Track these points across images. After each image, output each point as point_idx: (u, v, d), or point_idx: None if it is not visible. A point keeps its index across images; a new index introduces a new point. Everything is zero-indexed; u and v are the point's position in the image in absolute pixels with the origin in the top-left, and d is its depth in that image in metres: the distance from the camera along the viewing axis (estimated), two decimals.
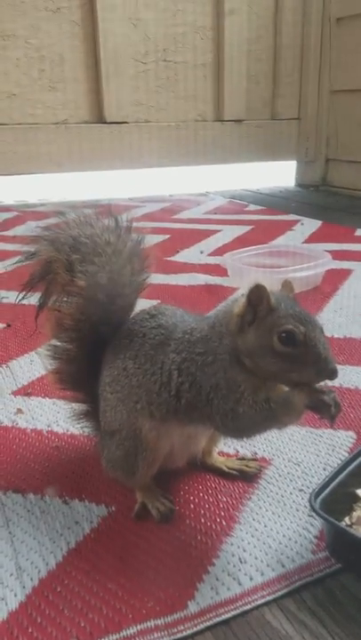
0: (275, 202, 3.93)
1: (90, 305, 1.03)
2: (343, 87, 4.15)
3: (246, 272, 2.14)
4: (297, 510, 1.03)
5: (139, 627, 0.80)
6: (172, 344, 0.96)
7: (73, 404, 1.12)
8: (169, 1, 3.71)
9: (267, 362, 0.89)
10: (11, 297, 2.06)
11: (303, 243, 2.81)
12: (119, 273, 1.03)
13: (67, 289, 1.03)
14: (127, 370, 0.98)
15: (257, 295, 0.87)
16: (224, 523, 0.99)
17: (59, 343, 1.07)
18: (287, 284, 0.96)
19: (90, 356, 1.05)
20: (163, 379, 0.95)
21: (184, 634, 0.80)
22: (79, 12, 3.51)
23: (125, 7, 3.58)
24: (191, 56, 3.84)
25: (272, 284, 2.04)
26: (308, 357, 0.87)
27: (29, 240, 1.06)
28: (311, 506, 0.94)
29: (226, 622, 0.82)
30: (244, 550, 0.93)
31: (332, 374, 0.88)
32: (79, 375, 1.08)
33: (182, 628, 0.80)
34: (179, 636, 0.79)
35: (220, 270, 2.36)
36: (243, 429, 0.94)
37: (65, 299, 1.04)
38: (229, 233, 3.00)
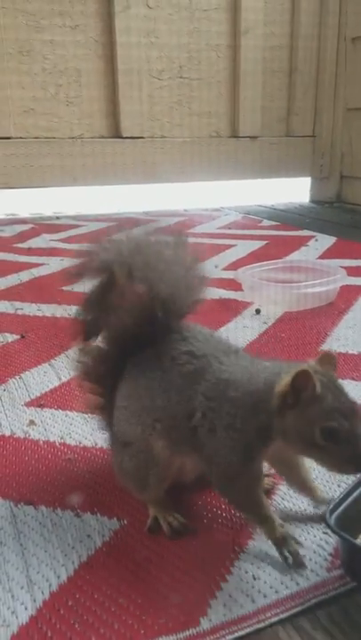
0: (289, 217, 3.93)
1: (142, 313, 1.01)
2: (358, 105, 4.17)
3: (260, 286, 2.14)
4: (311, 527, 1.01)
5: None
6: (202, 384, 0.94)
7: (90, 396, 1.11)
8: (186, 20, 3.74)
9: (301, 447, 0.88)
10: (25, 308, 2.07)
11: (317, 258, 2.80)
12: (176, 286, 1.01)
13: (124, 295, 1.01)
14: (151, 389, 0.97)
15: (302, 382, 0.84)
16: (237, 539, 0.98)
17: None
18: (327, 358, 0.93)
19: (121, 358, 1.04)
20: (187, 411, 0.94)
21: None
22: (97, 28, 3.55)
23: (142, 25, 3.62)
24: (207, 73, 3.87)
25: (288, 299, 2.05)
26: (346, 453, 0.85)
27: (85, 251, 1.05)
28: (326, 522, 0.92)
29: None
30: (258, 567, 0.92)
31: None
32: (105, 373, 1.07)
33: None
34: None
35: (234, 285, 2.35)
36: (226, 496, 0.98)
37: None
38: (243, 248, 3.00)
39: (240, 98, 3.97)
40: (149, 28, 3.64)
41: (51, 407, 1.39)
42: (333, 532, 0.91)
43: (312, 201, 4.64)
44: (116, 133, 3.67)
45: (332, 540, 0.97)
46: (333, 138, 4.37)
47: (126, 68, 3.60)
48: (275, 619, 0.83)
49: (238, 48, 3.88)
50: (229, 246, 3.02)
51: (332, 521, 0.89)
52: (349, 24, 4.11)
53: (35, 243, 3.09)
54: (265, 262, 2.40)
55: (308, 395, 0.85)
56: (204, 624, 0.82)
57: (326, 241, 3.17)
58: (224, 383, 0.93)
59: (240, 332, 1.90)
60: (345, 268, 2.28)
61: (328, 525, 0.91)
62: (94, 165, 3.57)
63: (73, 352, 1.10)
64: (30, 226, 3.52)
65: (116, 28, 3.54)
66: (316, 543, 0.97)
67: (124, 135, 3.67)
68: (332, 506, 0.93)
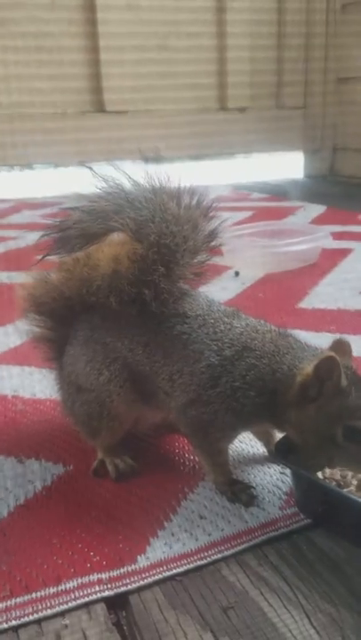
0: (279, 190, 3.86)
1: (139, 275, 0.90)
2: (349, 74, 4.07)
3: (240, 249, 2.07)
4: (268, 468, 0.96)
5: (79, 580, 0.74)
6: (210, 344, 0.87)
7: (35, 328, 1.03)
8: None
9: (315, 442, 0.82)
10: None
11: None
12: (182, 245, 0.91)
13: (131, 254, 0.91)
14: (131, 349, 0.91)
15: (327, 369, 0.77)
16: (190, 481, 0.93)
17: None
18: (341, 345, 0.86)
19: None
20: (172, 371, 0.89)
21: (128, 587, 0.73)
22: (78, 5, 3.48)
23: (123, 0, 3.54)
24: (192, 48, 3.78)
25: (268, 260, 1.99)
26: None
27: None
28: (280, 458, 0.87)
29: (177, 577, 0.75)
30: (205, 507, 0.87)
31: None
32: (64, 310, 0.98)
33: (127, 581, 0.74)
34: (123, 589, 0.73)
35: (215, 251, 2.29)
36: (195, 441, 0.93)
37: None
38: (230, 219, 2.93)
39: (227, 67, 3.87)
40: (132, 3, 3.56)
41: (8, 363, 1.34)
42: (288, 466, 0.87)
43: (306, 176, 4.55)
44: (100, 108, 3.59)
45: (289, 481, 0.91)
46: (325, 109, 4.27)
47: (108, 39, 3.52)
48: (218, 556, 0.78)
49: (224, 23, 3.80)
50: (220, 221, 2.95)
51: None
52: None
53: (15, 218, 3.04)
54: (246, 225, 2.34)
55: (332, 386, 0.78)
56: (141, 562, 0.77)
57: (315, 209, 3.09)
58: (242, 346, 0.86)
59: (218, 294, 1.83)
60: (332, 233, 2.22)
61: (282, 461, 0.86)
62: (77, 141, 3.50)
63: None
64: (11, 204, 3.46)
65: (97, 4, 3.47)
66: (273, 483, 0.92)
67: (108, 109, 3.60)
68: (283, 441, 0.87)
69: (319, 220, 2.83)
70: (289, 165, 4.57)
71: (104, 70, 3.57)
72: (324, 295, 1.78)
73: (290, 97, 4.20)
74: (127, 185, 0.93)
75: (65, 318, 0.98)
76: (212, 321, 0.90)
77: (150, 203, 0.91)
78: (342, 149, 4.31)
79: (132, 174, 0.95)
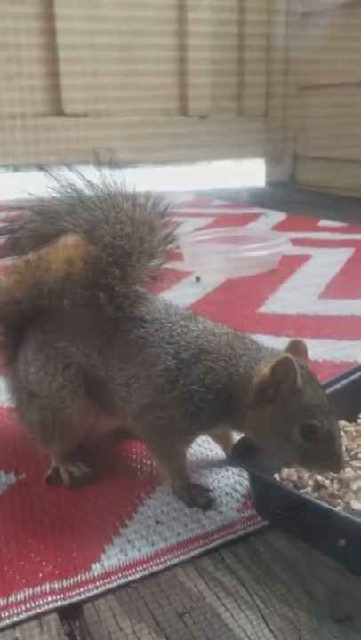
0: (240, 198, 3.88)
1: (94, 278, 0.89)
2: (310, 83, 4.12)
3: (201, 255, 2.07)
4: (226, 471, 0.95)
5: (30, 591, 0.71)
6: (167, 347, 0.86)
7: None
8: None
9: (273, 442, 0.81)
10: None
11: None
12: (138, 248, 0.90)
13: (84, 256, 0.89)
14: (86, 354, 0.89)
15: (284, 370, 0.77)
16: (146, 486, 0.91)
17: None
18: (297, 345, 0.86)
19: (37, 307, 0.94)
20: (128, 376, 0.87)
21: (82, 597, 0.71)
22: (38, 4, 3.44)
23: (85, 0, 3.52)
24: (154, 50, 3.77)
25: (229, 266, 1.99)
26: (323, 453, 0.79)
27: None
28: (238, 460, 0.86)
29: (133, 584, 0.73)
30: (162, 512, 0.85)
31: (338, 470, 0.83)
32: (16, 314, 0.95)
33: (81, 590, 0.72)
34: (76, 599, 0.71)
35: (176, 256, 2.28)
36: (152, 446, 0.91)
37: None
38: (191, 225, 2.93)
39: (188, 75, 3.88)
40: (93, 2, 3.54)
41: None
42: (245, 469, 0.86)
43: (268, 183, 4.59)
44: (59, 112, 3.55)
45: (246, 482, 0.91)
46: (286, 118, 4.32)
47: (68, 42, 3.49)
48: (174, 561, 0.77)
49: (185, 22, 3.80)
50: (177, 224, 2.95)
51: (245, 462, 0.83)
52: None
53: None
54: (207, 230, 2.34)
55: (289, 387, 0.77)
56: (96, 570, 0.75)
57: (276, 216, 3.12)
58: (199, 349, 0.85)
59: (179, 299, 1.82)
60: (292, 239, 2.23)
61: (240, 463, 0.85)
62: (36, 144, 3.45)
63: None
64: None
65: (56, 4, 3.43)
66: (230, 486, 0.92)
67: (68, 113, 3.56)
68: (241, 445, 0.86)
69: (280, 227, 2.86)
70: (250, 173, 4.61)
71: (63, 71, 3.53)
72: (284, 300, 1.79)
73: (251, 105, 4.23)
74: (80, 186, 0.92)
75: (17, 322, 0.95)
76: (169, 324, 0.89)
77: (104, 203, 0.89)
78: (303, 158, 4.36)
79: (87, 176, 0.94)
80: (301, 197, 3.97)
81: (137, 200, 0.93)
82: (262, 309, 1.73)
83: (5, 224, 0.91)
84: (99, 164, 0.98)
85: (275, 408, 0.79)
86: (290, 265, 2.14)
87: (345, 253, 2.30)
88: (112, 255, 0.88)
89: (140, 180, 0.96)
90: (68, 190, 0.91)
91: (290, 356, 0.78)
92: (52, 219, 0.89)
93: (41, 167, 0.96)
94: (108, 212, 0.89)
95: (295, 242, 2.30)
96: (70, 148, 3.36)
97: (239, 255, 2.02)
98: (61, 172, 0.95)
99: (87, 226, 0.88)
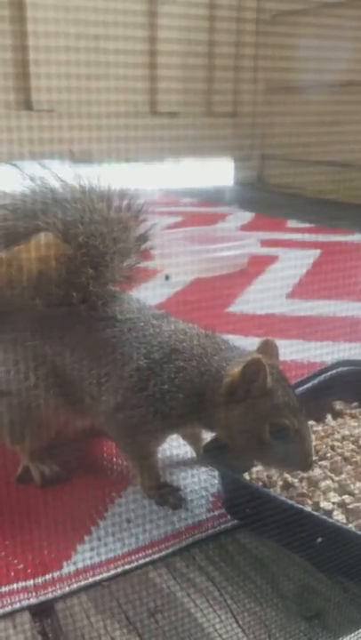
0: (209, 196, 3.90)
1: (68, 277, 0.89)
2: (278, 84, 4.16)
3: (170, 253, 2.08)
4: (196, 470, 0.96)
5: (2, 589, 0.71)
6: (139, 347, 0.86)
7: None
8: None
9: (243, 442, 0.82)
10: None
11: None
12: (112, 247, 0.90)
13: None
14: (59, 354, 0.89)
15: (254, 371, 0.78)
16: (117, 485, 0.92)
17: None
18: (268, 346, 0.87)
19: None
20: (100, 375, 0.87)
21: (54, 595, 0.71)
22: None
23: None
24: (124, 44, 3.76)
25: (198, 265, 2.00)
26: (292, 452, 0.80)
27: None
28: (208, 460, 0.88)
29: (104, 582, 0.74)
30: (133, 512, 0.86)
31: (307, 469, 0.83)
32: None
33: (52, 589, 0.72)
34: (48, 597, 0.71)
35: (146, 254, 2.29)
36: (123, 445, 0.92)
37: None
38: (160, 223, 2.94)
39: (158, 71, 3.88)
40: (61, 3, 3.51)
41: None
42: (215, 467, 0.87)
43: (236, 183, 4.62)
44: (27, 106, 3.52)
45: (216, 482, 0.92)
46: (254, 118, 4.35)
47: (38, 36, 3.45)
48: (145, 559, 0.77)
49: (155, 21, 3.80)
50: (151, 224, 2.95)
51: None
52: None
53: None
54: (176, 229, 2.35)
55: (259, 387, 0.78)
56: (67, 568, 0.75)
57: (244, 216, 3.15)
58: (170, 349, 0.86)
59: (148, 298, 1.83)
60: (260, 240, 2.26)
61: (209, 462, 0.86)
62: (3, 139, 3.41)
63: None
64: None
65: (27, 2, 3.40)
66: (200, 485, 0.92)
67: (35, 108, 3.53)
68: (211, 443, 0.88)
69: (248, 227, 2.88)
70: (219, 172, 4.63)
71: (32, 66, 3.50)
72: (252, 301, 1.81)
73: (220, 104, 4.25)
74: (55, 184, 0.92)
75: None
76: (142, 324, 0.89)
77: (79, 203, 0.89)
78: (270, 158, 4.41)
79: (61, 174, 0.94)
80: (268, 196, 4.01)
81: (112, 200, 0.93)
82: (231, 309, 1.75)
83: None
84: (71, 160, 0.98)
85: (245, 407, 0.80)
86: (258, 265, 2.17)
87: (312, 254, 2.33)
88: (86, 255, 0.88)
89: (111, 176, 0.96)
90: (43, 189, 0.90)
91: (260, 356, 0.79)
92: (26, 217, 0.89)
93: (14, 165, 0.95)
94: (82, 211, 0.89)
95: (263, 242, 2.33)
96: (39, 148, 3.34)
97: (209, 255, 2.04)
98: (35, 170, 0.95)
99: (62, 225, 0.88)
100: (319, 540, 0.72)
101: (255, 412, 0.80)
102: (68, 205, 0.89)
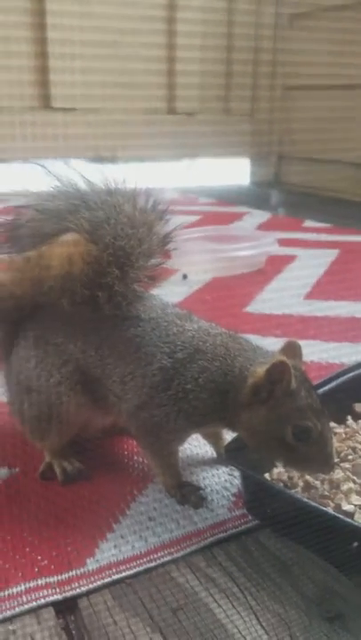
0: (226, 196, 3.90)
1: (94, 278, 0.89)
2: (296, 83, 4.15)
3: (188, 253, 2.08)
4: (217, 469, 0.97)
5: (27, 584, 0.72)
6: (163, 346, 0.87)
7: None
8: None
9: (266, 443, 0.82)
10: None
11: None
12: (137, 248, 0.91)
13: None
14: (84, 351, 0.90)
15: (278, 372, 0.78)
16: (139, 483, 0.92)
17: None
18: (292, 348, 0.87)
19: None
20: (124, 373, 0.88)
21: (77, 591, 0.72)
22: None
23: None
24: (143, 46, 3.77)
25: (216, 265, 2.01)
26: (314, 454, 0.81)
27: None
28: (230, 459, 0.88)
29: (127, 580, 0.75)
30: (155, 509, 0.87)
31: (328, 472, 0.84)
32: (13, 310, 0.95)
33: (76, 585, 0.73)
34: (72, 593, 0.72)
35: (166, 254, 2.29)
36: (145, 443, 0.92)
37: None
38: (177, 222, 2.94)
39: (177, 73, 3.89)
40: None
41: None
42: (237, 468, 0.87)
43: (252, 182, 4.62)
44: (47, 104, 3.54)
45: (237, 482, 0.92)
46: (272, 117, 4.34)
47: (58, 37, 3.47)
48: (167, 558, 0.78)
49: (174, 21, 3.81)
50: (176, 226, 2.95)
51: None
52: (287, 1, 4.09)
53: None
54: (194, 229, 2.35)
55: (283, 389, 0.79)
56: (90, 565, 0.76)
57: (261, 216, 3.14)
58: (194, 348, 0.86)
59: (166, 297, 1.84)
60: (278, 239, 2.26)
61: (232, 462, 0.87)
62: (23, 138, 3.43)
63: None
64: None
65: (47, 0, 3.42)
66: (221, 485, 0.93)
67: (55, 106, 3.55)
68: (233, 444, 0.88)
69: (265, 226, 2.88)
70: (236, 171, 4.62)
71: (52, 65, 3.52)
72: (270, 301, 1.81)
73: (237, 103, 4.25)
74: (82, 185, 0.92)
75: (14, 318, 0.96)
76: (165, 324, 0.90)
77: (106, 204, 0.90)
78: (287, 157, 4.39)
79: (86, 174, 0.95)
80: (285, 197, 4.00)
81: (137, 200, 0.94)
82: (249, 309, 1.75)
83: (7, 220, 0.91)
84: (98, 161, 0.99)
85: (268, 409, 0.81)
86: (276, 265, 2.16)
87: (330, 254, 2.33)
88: (112, 255, 0.89)
89: (135, 176, 0.97)
90: (70, 190, 0.91)
91: (285, 359, 0.79)
92: (54, 218, 0.90)
93: (40, 164, 0.96)
94: (109, 212, 0.89)
95: (281, 242, 2.32)
96: (58, 144, 3.36)
97: (226, 255, 2.04)
98: (59, 169, 0.96)
99: (89, 226, 0.88)
100: (355, 544, 0.72)
101: (278, 413, 0.80)
102: (95, 206, 0.89)
